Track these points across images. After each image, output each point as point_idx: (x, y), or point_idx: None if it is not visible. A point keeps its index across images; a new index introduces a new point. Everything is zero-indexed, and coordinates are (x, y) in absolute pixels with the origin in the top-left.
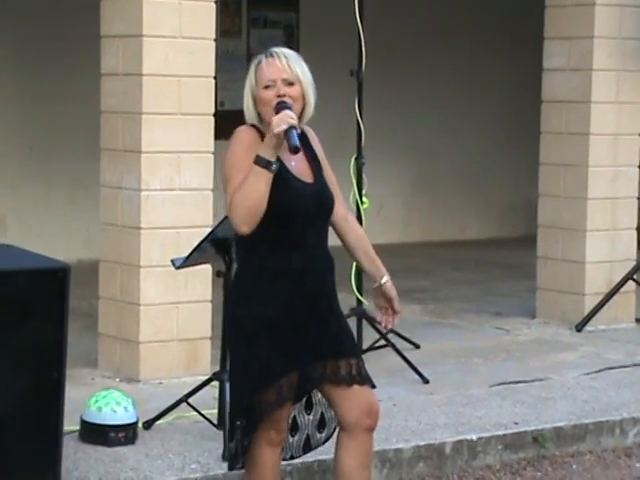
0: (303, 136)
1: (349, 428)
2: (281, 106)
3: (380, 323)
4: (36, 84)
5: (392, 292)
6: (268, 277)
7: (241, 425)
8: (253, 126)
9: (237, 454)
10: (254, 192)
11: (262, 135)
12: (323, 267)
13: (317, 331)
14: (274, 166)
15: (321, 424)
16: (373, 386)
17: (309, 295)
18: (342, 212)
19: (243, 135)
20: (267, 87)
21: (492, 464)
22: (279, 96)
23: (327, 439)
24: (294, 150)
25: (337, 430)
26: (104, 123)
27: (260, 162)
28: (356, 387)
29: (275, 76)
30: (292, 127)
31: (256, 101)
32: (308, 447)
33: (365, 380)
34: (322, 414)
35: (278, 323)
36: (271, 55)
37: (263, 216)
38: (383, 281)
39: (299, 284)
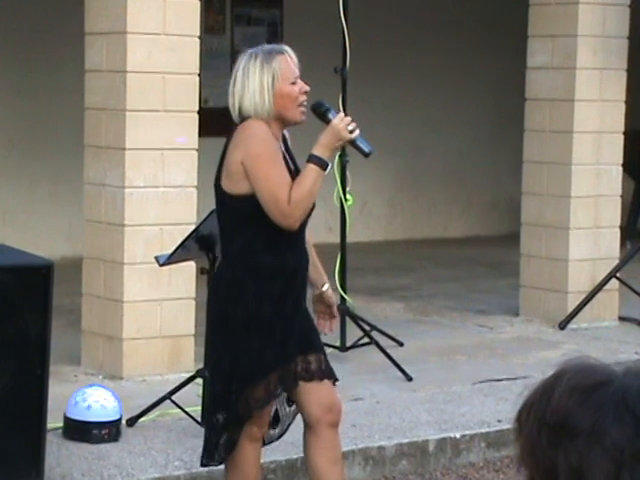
0: (283, 138)
1: (312, 425)
2: (325, 108)
3: (321, 331)
4: (19, 79)
5: (332, 299)
6: (264, 274)
7: (222, 420)
8: (260, 120)
9: (214, 451)
10: (314, 192)
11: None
12: (306, 265)
13: (300, 327)
14: (330, 167)
15: (275, 420)
16: (336, 380)
17: (297, 292)
18: None
19: (262, 129)
20: (293, 83)
21: (475, 462)
22: (305, 92)
23: (280, 436)
24: (367, 155)
25: (303, 429)
26: (88, 120)
27: (320, 163)
28: (318, 383)
29: (297, 73)
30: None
31: (276, 95)
32: (262, 443)
33: (328, 374)
34: (277, 410)
35: (270, 319)
36: (287, 51)
37: (263, 214)
38: (324, 289)
39: (291, 281)
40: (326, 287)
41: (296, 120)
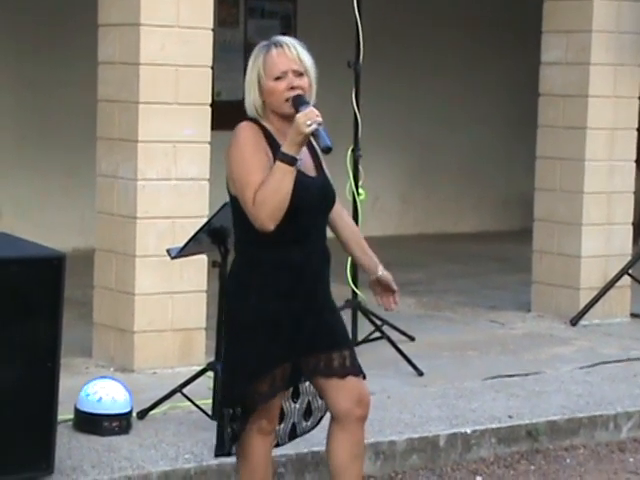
0: None
1: (340, 418)
2: (300, 101)
3: (385, 308)
4: (32, 72)
5: (388, 278)
6: (268, 270)
7: (231, 414)
8: (253, 121)
9: (224, 441)
10: (281, 189)
11: (262, 129)
12: (321, 261)
13: (312, 324)
14: (299, 163)
15: (307, 412)
16: (364, 377)
17: (307, 288)
18: (338, 208)
19: (248, 132)
20: (278, 78)
21: (486, 457)
22: (292, 88)
23: (312, 427)
24: (326, 150)
25: (329, 421)
26: (100, 112)
27: (286, 159)
28: (347, 378)
29: (286, 67)
30: (319, 125)
31: (263, 92)
32: (294, 435)
33: (356, 370)
34: (309, 402)
35: (276, 315)
36: (280, 45)
37: None
38: (380, 273)
39: (299, 277)
40: (381, 271)
41: (290, 115)
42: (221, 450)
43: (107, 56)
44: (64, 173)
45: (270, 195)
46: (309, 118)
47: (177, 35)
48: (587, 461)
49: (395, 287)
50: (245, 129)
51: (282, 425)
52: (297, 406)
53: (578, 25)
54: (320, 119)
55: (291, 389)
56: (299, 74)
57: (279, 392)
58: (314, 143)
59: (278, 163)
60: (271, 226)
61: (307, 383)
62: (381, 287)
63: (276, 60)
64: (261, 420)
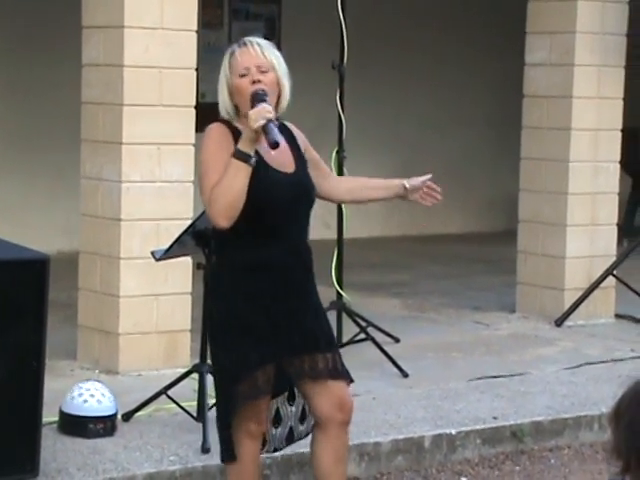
0: (284, 128)
1: (322, 423)
2: (257, 98)
3: (431, 203)
4: (16, 74)
5: (417, 181)
6: (245, 270)
7: (219, 416)
8: (223, 122)
9: (230, 446)
10: (234, 186)
11: (233, 130)
12: (301, 260)
13: (292, 325)
14: (253, 159)
15: (303, 416)
16: (351, 380)
17: (285, 288)
18: (343, 184)
19: (214, 132)
20: (242, 76)
21: (471, 458)
22: (254, 82)
23: (308, 433)
24: (273, 145)
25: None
26: (85, 114)
27: (239, 156)
28: (330, 382)
29: (249, 64)
30: (270, 121)
31: (232, 92)
32: (291, 439)
33: (341, 374)
34: (303, 406)
35: (250, 315)
36: (244, 44)
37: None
38: (406, 184)
39: (275, 277)
40: (405, 183)
41: None
42: (228, 456)
43: (91, 58)
44: (49, 175)
45: (222, 192)
46: (259, 114)
47: (161, 37)
48: (571, 461)
49: (430, 183)
50: (211, 130)
51: (279, 429)
52: (293, 409)
53: (562, 26)
54: (271, 115)
55: (286, 393)
56: (263, 71)
57: (262, 394)
58: (297, 139)
59: (232, 160)
60: (224, 223)
61: None
62: (416, 192)
63: (239, 59)
64: (249, 423)
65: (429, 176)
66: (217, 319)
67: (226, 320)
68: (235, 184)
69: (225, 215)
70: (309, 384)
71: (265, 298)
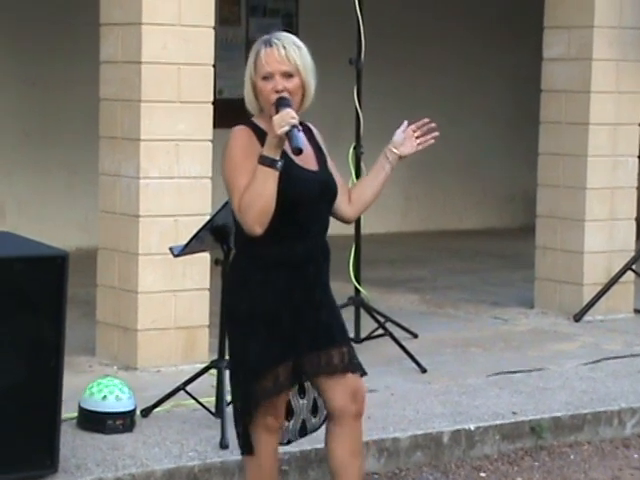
0: (306, 129)
1: (336, 415)
2: (281, 103)
3: (433, 139)
4: (34, 70)
5: (398, 136)
6: (267, 265)
7: (236, 410)
8: (246, 124)
9: (249, 440)
10: (264, 193)
11: (257, 131)
12: (322, 256)
13: (312, 320)
14: (279, 164)
15: (314, 408)
16: (364, 373)
17: (307, 284)
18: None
19: (238, 136)
20: (265, 78)
21: (490, 454)
22: (277, 91)
23: (321, 424)
24: (296, 152)
25: (327, 419)
26: (103, 111)
27: (265, 162)
28: (345, 375)
29: (272, 68)
30: (294, 127)
31: (255, 89)
32: (304, 431)
33: (354, 367)
34: (314, 399)
35: (275, 311)
36: (270, 44)
37: None
38: (392, 147)
39: (299, 273)
40: (387, 149)
41: None
42: (247, 449)
43: (109, 55)
44: (67, 172)
45: (253, 200)
46: (283, 120)
47: (179, 33)
48: (591, 457)
49: (404, 127)
50: (237, 134)
51: (292, 422)
52: (305, 402)
53: (580, 21)
54: (295, 121)
55: (297, 386)
56: (287, 75)
57: (284, 389)
58: (317, 139)
59: (259, 166)
60: (258, 230)
61: None
62: (410, 141)
63: (264, 60)
64: (267, 417)
65: (405, 123)
66: (238, 314)
67: (249, 316)
68: (265, 191)
69: (259, 222)
70: (323, 378)
71: (288, 293)
